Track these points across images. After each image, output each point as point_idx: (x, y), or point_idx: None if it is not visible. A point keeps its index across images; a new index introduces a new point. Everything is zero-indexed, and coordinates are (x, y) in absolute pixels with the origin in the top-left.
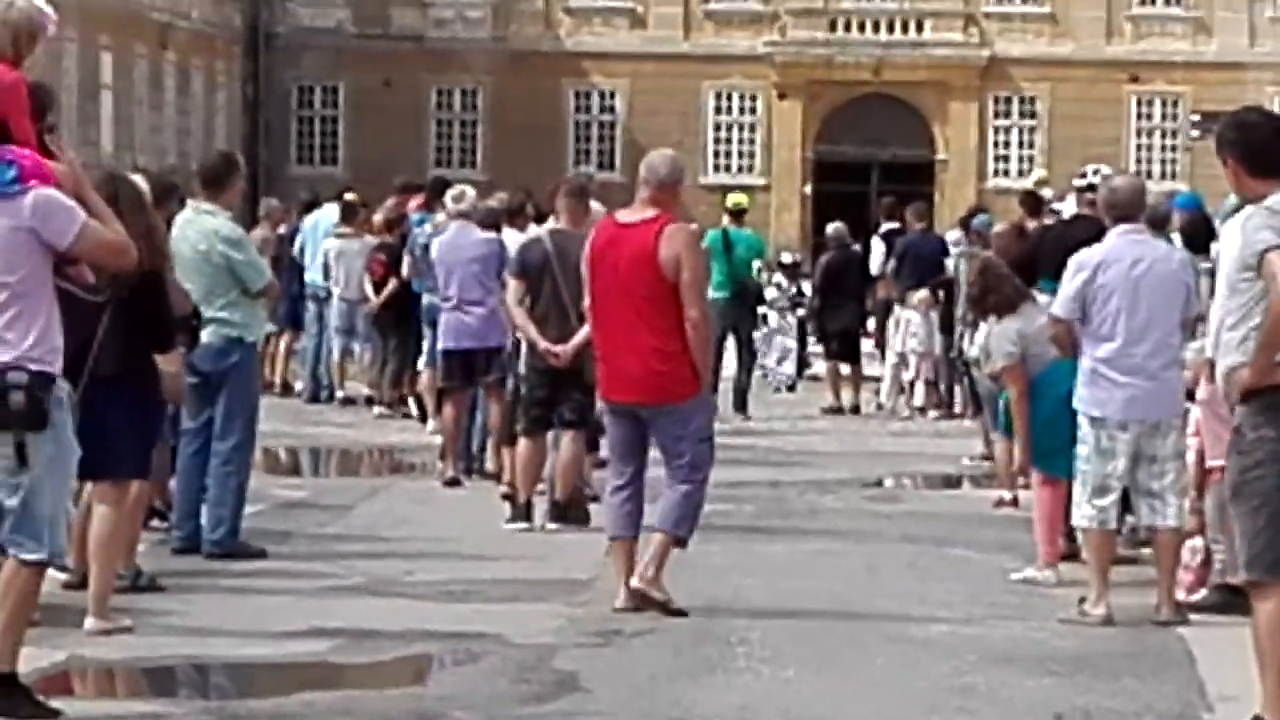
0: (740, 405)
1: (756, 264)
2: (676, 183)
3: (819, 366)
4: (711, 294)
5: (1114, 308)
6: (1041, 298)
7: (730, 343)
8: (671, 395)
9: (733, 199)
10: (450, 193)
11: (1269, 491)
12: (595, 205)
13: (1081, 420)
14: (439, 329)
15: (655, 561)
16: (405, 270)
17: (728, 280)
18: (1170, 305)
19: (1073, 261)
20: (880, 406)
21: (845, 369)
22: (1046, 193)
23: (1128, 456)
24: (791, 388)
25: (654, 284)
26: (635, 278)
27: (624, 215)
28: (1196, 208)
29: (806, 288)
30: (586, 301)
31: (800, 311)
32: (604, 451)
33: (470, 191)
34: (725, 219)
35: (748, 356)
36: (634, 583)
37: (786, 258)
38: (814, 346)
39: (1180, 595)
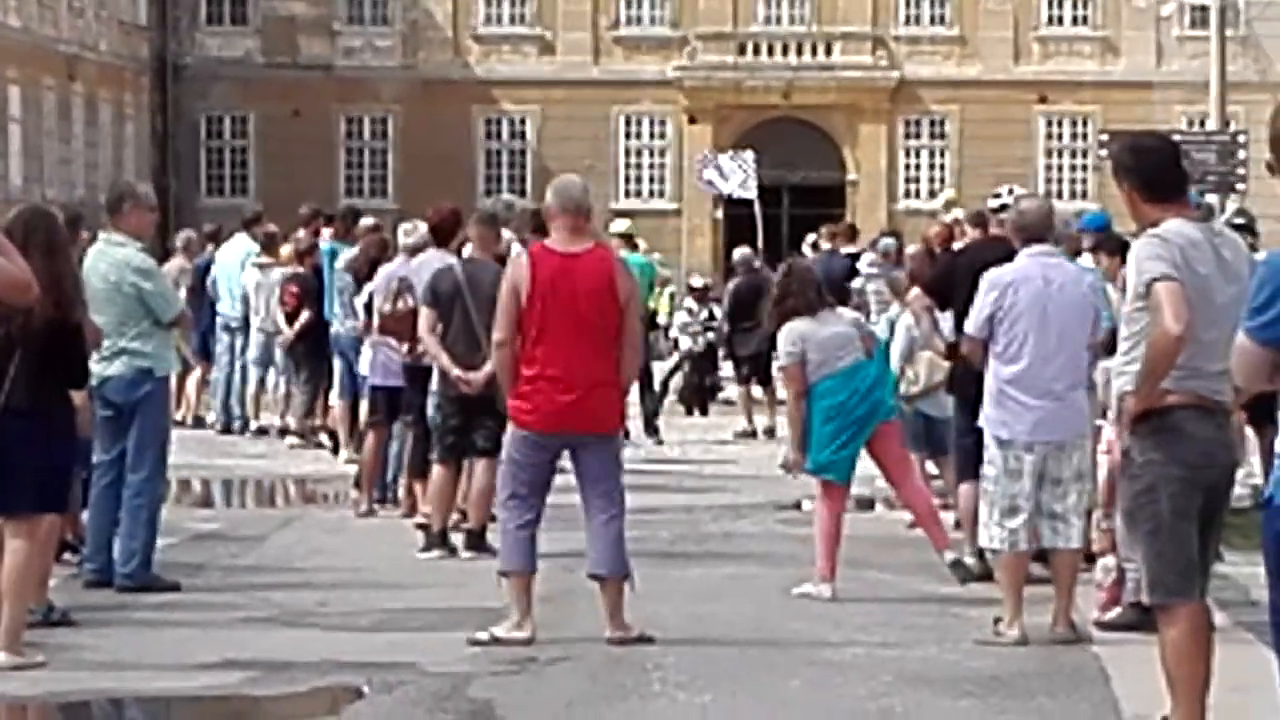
0: (652, 429)
1: (659, 289)
2: (590, 207)
3: (731, 390)
4: None
5: (1022, 328)
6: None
7: None
8: (609, 424)
9: (620, 225)
10: (402, 226)
11: (1161, 514)
12: (505, 233)
13: (988, 441)
14: (369, 364)
15: (620, 610)
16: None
17: None
18: (1080, 327)
19: (984, 280)
20: None
21: (758, 392)
22: (958, 213)
23: (1033, 477)
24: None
25: (612, 315)
26: (596, 308)
27: (562, 245)
28: (1104, 226)
29: (718, 311)
30: (501, 334)
31: (711, 335)
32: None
33: (422, 226)
34: (615, 243)
35: (647, 383)
36: (610, 634)
37: (697, 281)
38: (726, 370)
39: (1094, 614)
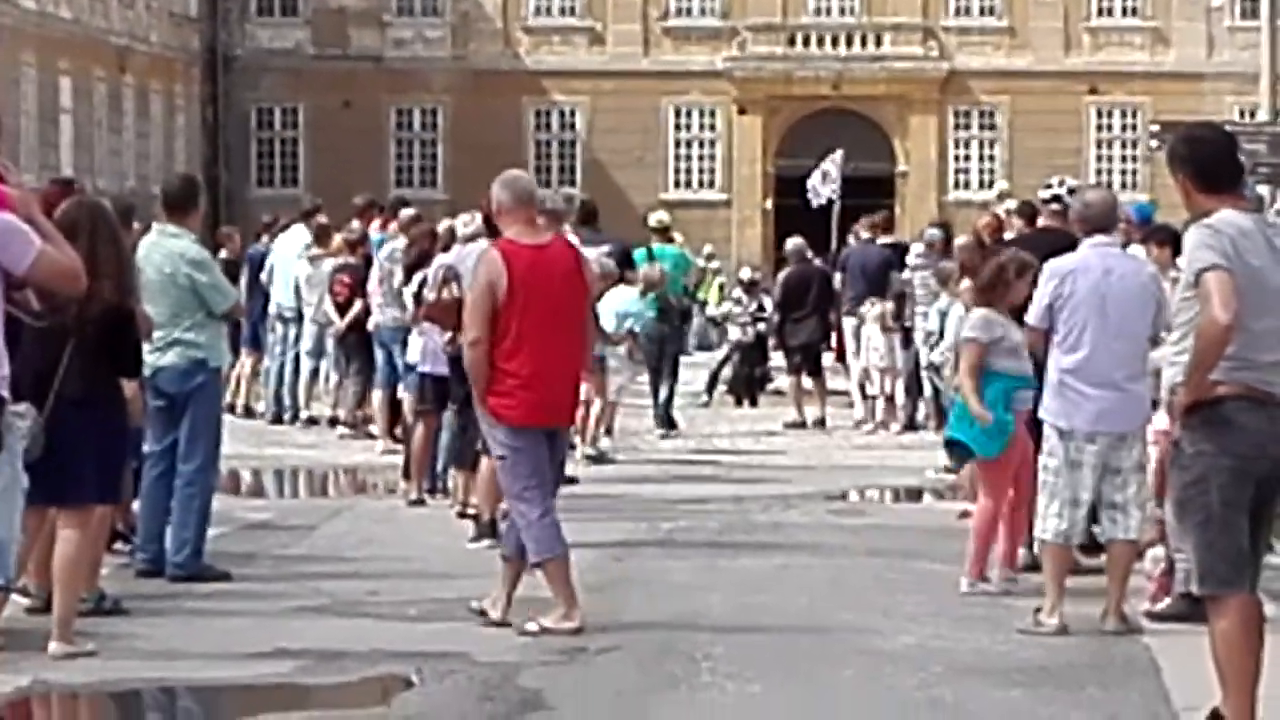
0: (669, 421)
1: (709, 279)
2: (540, 200)
3: (782, 381)
4: (644, 312)
5: (1081, 316)
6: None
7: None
8: (574, 414)
9: (656, 217)
10: (461, 217)
11: (1212, 505)
12: (565, 227)
13: (1048, 432)
14: (420, 351)
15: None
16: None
17: (655, 298)
18: (1140, 317)
19: (1045, 269)
20: (859, 424)
21: (808, 383)
22: (1011, 204)
23: (1095, 469)
24: (705, 405)
25: (583, 301)
26: (570, 300)
27: (526, 238)
28: (1147, 218)
29: (767, 303)
30: (476, 332)
31: (761, 326)
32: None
33: (479, 217)
34: (651, 237)
35: (673, 373)
36: (542, 623)
37: (745, 274)
38: (777, 361)
39: (1145, 605)
